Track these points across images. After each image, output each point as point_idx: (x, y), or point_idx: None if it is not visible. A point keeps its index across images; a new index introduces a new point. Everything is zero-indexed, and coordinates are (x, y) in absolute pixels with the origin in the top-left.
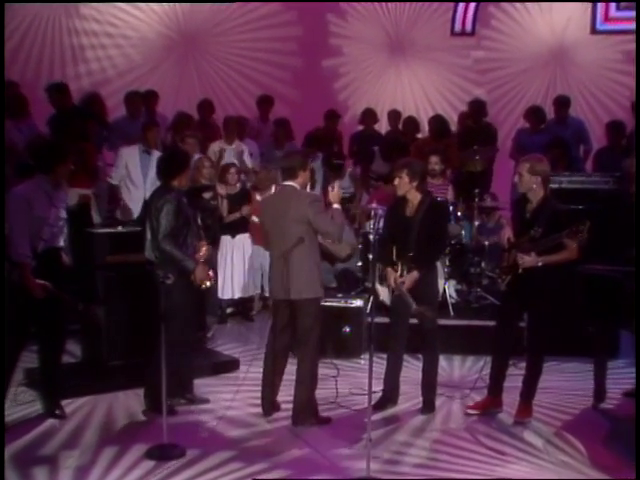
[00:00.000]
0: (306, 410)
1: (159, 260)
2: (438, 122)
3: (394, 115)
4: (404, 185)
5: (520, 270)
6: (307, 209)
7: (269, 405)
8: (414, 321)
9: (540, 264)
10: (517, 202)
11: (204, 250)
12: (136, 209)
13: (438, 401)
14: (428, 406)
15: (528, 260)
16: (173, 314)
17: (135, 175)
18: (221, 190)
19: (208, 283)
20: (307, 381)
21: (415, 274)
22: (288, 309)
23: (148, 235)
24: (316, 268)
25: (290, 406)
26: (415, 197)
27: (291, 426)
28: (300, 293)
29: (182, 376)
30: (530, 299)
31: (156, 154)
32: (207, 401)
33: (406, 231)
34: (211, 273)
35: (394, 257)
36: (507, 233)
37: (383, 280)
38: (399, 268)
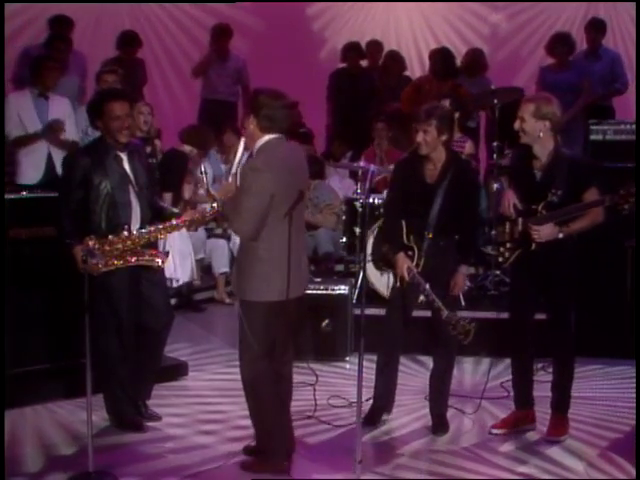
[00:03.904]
0: None
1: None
2: (443, 57)
3: (374, 47)
4: (432, 141)
5: (533, 246)
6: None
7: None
8: (420, 313)
9: (561, 236)
10: (518, 158)
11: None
12: (38, 170)
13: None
14: (441, 424)
15: (546, 233)
16: (103, 305)
17: (31, 127)
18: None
19: (159, 261)
20: None
21: (464, 271)
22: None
23: None
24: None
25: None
26: (440, 156)
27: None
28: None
29: (123, 385)
30: (549, 281)
31: (57, 100)
32: (158, 419)
33: (425, 203)
34: (164, 253)
35: (405, 238)
36: (511, 198)
37: (383, 265)
38: (415, 254)
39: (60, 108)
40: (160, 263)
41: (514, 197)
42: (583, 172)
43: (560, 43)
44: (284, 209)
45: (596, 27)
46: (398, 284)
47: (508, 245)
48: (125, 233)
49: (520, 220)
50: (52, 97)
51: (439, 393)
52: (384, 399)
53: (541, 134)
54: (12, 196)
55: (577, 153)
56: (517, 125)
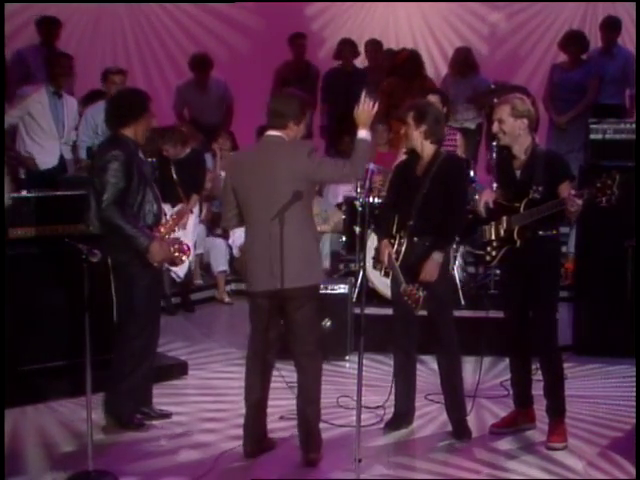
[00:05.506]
0: (319, 436)
1: (103, 234)
2: (411, 59)
3: (373, 46)
4: (411, 133)
5: (518, 244)
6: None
7: (256, 444)
8: (420, 313)
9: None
10: (500, 161)
11: (173, 219)
12: (50, 162)
13: (444, 413)
14: (461, 429)
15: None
16: (128, 305)
17: (46, 123)
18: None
19: (184, 257)
20: (316, 396)
21: (436, 258)
22: (275, 303)
23: (92, 202)
24: (316, 245)
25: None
26: (427, 150)
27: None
28: (297, 280)
29: (138, 384)
30: (532, 279)
31: (69, 99)
32: (169, 416)
33: (411, 194)
34: (186, 246)
35: (394, 230)
36: (484, 197)
37: (377, 262)
38: (396, 241)
39: (72, 108)
40: (185, 257)
41: (489, 196)
42: (558, 167)
43: (572, 41)
44: (257, 204)
45: (610, 25)
46: (377, 268)
47: (494, 244)
48: (162, 227)
49: (504, 218)
50: (65, 96)
51: (453, 397)
52: (405, 406)
53: (521, 132)
54: (15, 195)
55: (551, 149)
56: (495, 128)
